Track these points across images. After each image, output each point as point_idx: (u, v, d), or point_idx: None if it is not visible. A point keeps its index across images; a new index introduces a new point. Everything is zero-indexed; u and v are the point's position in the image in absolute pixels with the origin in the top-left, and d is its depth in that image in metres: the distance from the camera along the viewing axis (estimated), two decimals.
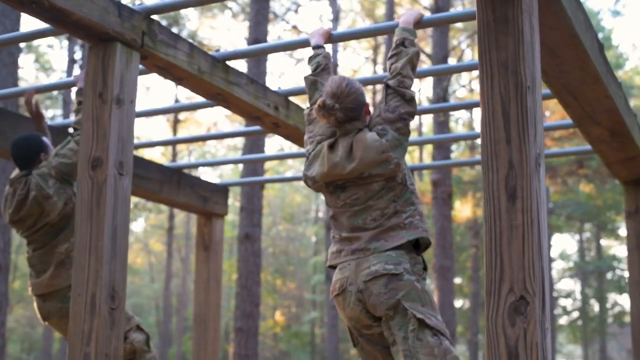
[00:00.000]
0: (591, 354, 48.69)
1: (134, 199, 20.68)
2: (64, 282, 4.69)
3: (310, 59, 4.33)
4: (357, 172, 3.88)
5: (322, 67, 4.29)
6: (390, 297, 3.74)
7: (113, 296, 3.70)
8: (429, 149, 20.56)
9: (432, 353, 3.58)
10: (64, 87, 5.60)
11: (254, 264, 13.24)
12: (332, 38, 4.50)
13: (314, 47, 4.37)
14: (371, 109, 4.02)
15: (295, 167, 39.39)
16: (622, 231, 33.60)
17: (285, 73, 47.98)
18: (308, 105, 4.24)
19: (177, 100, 26.73)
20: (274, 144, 43.93)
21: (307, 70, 4.30)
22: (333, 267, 4.02)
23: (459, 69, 6.32)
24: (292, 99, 5.33)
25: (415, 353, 3.59)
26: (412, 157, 26.12)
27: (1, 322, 10.62)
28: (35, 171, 4.79)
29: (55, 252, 4.77)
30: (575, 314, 42.51)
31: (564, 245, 76.03)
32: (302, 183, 38.19)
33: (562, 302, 43.22)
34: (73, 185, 4.79)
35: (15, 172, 4.92)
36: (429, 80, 21.22)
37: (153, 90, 50.52)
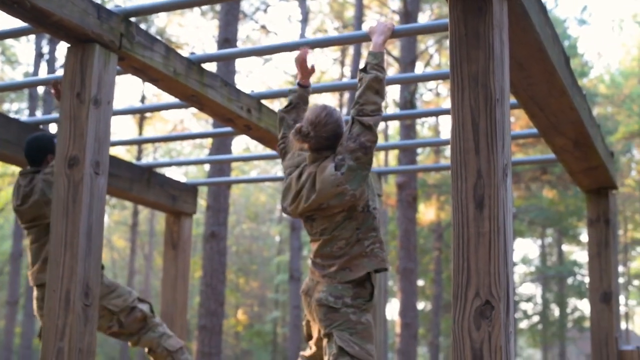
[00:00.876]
0: (551, 357, 49.13)
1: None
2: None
3: (289, 93, 4.61)
4: (317, 203, 4.14)
5: (293, 105, 4.55)
6: (327, 325, 4.18)
7: (87, 293, 3.76)
8: (394, 151, 20.66)
9: None
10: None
11: (219, 262, 13.29)
12: (309, 44, 4.68)
13: (297, 84, 4.61)
14: None
15: (261, 167, 39.45)
16: (584, 237, 33.98)
17: (254, 72, 47.92)
18: (279, 137, 4.54)
19: (144, 97, 26.65)
20: (241, 143, 43.85)
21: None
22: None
23: (427, 78, 6.44)
24: (264, 102, 5.41)
25: None
26: (377, 160, 26.25)
27: None
28: (41, 175, 5.02)
29: (45, 249, 4.94)
30: (536, 318, 42.88)
31: (526, 249, 76.55)
32: (267, 183, 38.07)
33: (523, 306, 43.57)
34: None
35: (27, 166, 5.19)
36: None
37: (119, 85, 50.25)
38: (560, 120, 4.40)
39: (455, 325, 2.80)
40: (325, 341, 4.24)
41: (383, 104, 4.18)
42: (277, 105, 29.72)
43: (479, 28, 2.97)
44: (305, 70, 4.62)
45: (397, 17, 20.08)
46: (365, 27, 4.74)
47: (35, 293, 5.13)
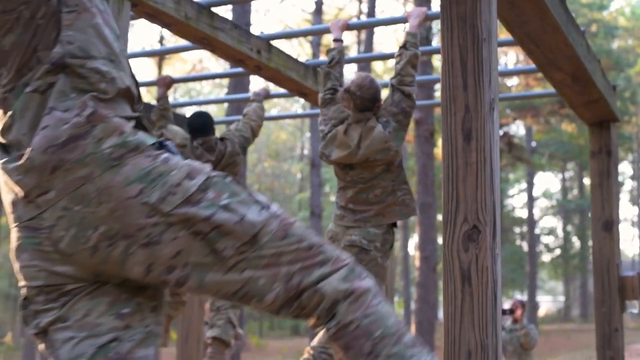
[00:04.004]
0: (572, 289, 49.48)
1: None
2: None
3: (328, 52, 5.28)
4: (365, 157, 4.82)
5: (336, 60, 5.19)
6: None
7: None
8: None
9: None
10: None
11: None
12: (350, 27, 5.43)
13: (334, 40, 5.28)
14: None
15: (280, 105, 39.57)
16: None
17: (271, 10, 47.78)
18: (323, 91, 5.17)
19: (162, 38, 26.76)
20: (260, 82, 43.94)
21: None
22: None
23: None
24: (274, 42, 5.60)
25: None
26: None
27: None
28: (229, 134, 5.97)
29: None
30: (558, 251, 43.13)
31: (547, 183, 76.68)
32: (287, 120, 38.28)
33: (545, 239, 43.85)
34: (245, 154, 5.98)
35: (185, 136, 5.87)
36: None
37: (137, 26, 50.29)
38: (556, 56, 4.55)
39: (446, 248, 3.02)
40: None
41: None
42: (287, 45, 29.80)
43: None
44: (341, 30, 5.33)
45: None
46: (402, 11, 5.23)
47: None
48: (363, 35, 21.38)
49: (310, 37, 23.93)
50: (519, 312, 8.80)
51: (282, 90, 6.44)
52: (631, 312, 30.48)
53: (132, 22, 4.63)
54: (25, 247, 2.04)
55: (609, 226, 5.91)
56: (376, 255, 4.77)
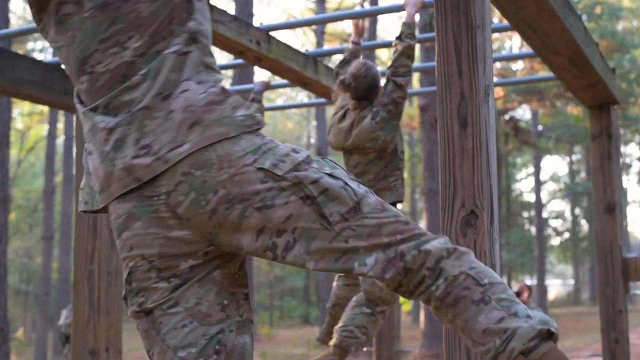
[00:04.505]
0: (582, 273, 49.49)
1: None
2: None
3: (344, 52, 5.68)
4: (355, 144, 5.11)
5: (347, 61, 5.55)
6: None
7: None
8: (416, 74, 20.79)
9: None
10: None
11: None
12: (352, 16, 5.68)
13: (352, 42, 5.64)
14: None
15: (286, 94, 39.59)
16: None
17: (273, 0, 47.74)
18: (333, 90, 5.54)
19: None
20: (263, 72, 43.96)
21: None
22: None
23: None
24: (273, 34, 5.63)
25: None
26: None
27: (2, 251, 11.01)
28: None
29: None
30: (566, 235, 43.11)
31: (554, 167, 76.64)
32: (293, 110, 38.28)
33: (553, 223, 43.83)
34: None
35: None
36: None
37: None
38: (553, 41, 4.57)
39: (445, 233, 3.06)
40: None
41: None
42: (291, 34, 29.71)
43: None
44: (359, 32, 5.63)
45: None
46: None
47: None
48: (367, 22, 21.37)
49: (314, 26, 23.93)
50: (525, 295, 8.86)
51: (284, 80, 6.48)
52: (634, 294, 30.40)
53: None
54: (138, 216, 2.12)
55: (611, 208, 5.95)
56: None
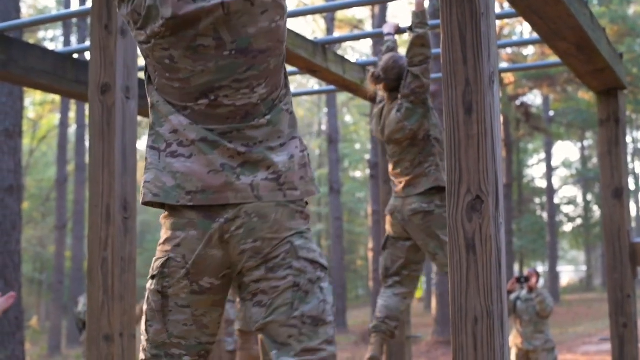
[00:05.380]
0: (594, 258, 49.44)
1: (138, 119, 20.84)
2: None
3: (384, 43, 5.78)
4: (388, 137, 5.43)
5: (391, 48, 5.66)
6: (427, 227, 5.29)
7: (125, 207, 4.12)
8: None
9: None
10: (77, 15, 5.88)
11: None
12: (399, 30, 5.81)
13: (386, 34, 5.73)
14: None
15: (297, 81, 39.57)
16: None
17: None
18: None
19: None
20: None
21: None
22: None
23: None
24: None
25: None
26: None
27: (16, 240, 11.07)
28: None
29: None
30: (578, 221, 43.02)
31: (566, 153, 76.40)
32: (305, 97, 38.24)
33: (565, 209, 43.72)
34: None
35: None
36: None
37: None
38: (559, 26, 4.60)
39: (451, 219, 3.11)
40: (425, 246, 5.37)
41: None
42: (301, 21, 29.61)
43: None
44: (393, 30, 5.74)
45: None
46: None
47: None
48: (377, 9, 21.36)
49: (325, 13, 23.91)
50: (533, 280, 8.89)
51: (294, 68, 6.51)
52: None
53: None
54: (197, 227, 2.54)
55: (618, 193, 5.97)
56: (440, 211, 5.25)
